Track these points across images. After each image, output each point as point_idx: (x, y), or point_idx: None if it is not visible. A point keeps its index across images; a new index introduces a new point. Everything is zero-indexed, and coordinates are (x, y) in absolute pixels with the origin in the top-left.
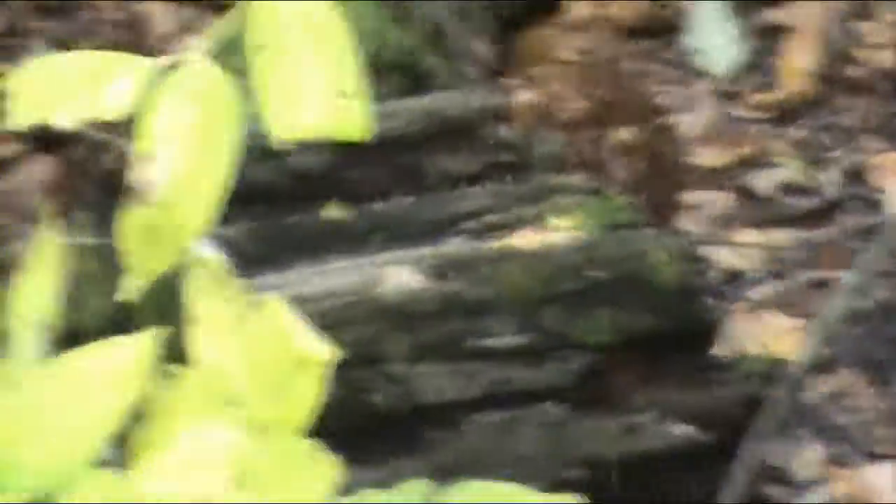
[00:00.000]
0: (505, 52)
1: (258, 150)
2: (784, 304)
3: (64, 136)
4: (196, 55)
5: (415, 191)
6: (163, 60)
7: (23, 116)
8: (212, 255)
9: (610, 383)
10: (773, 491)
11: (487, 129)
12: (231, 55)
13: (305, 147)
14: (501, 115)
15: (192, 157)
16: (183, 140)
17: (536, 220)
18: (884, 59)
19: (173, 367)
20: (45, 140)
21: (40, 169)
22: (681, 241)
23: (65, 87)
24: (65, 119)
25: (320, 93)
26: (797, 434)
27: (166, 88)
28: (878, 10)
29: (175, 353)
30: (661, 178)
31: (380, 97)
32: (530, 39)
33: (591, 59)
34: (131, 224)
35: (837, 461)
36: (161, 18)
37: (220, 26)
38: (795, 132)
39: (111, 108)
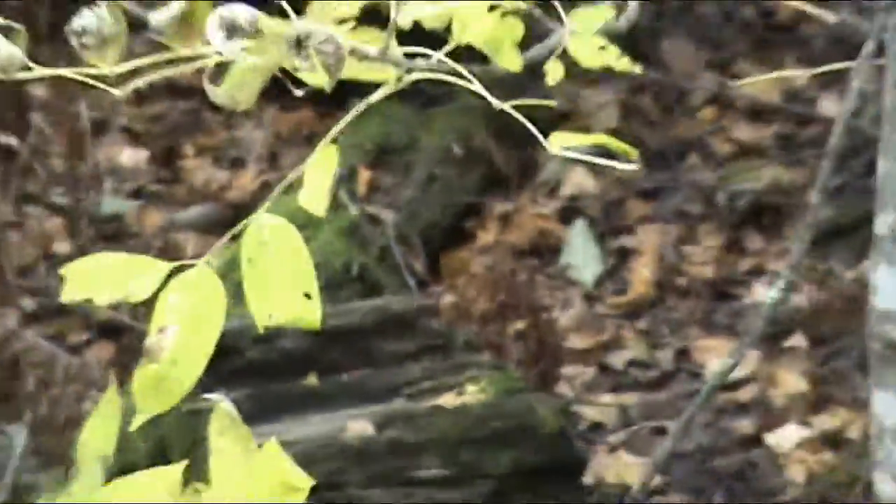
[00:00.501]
0: (434, 267)
1: (255, 336)
2: (632, 446)
3: (119, 327)
4: (199, 264)
5: (370, 366)
6: (174, 265)
7: (70, 296)
8: (228, 405)
9: (510, 503)
10: None
11: (422, 322)
12: (237, 269)
13: (288, 334)
14: (432, 312)
15: (188, 331)
16: (182, 319)
17: (457, 387)
18: (704, 272)
19: (199, 485)
20: (106, 330)
21: (103, 351)
22: (559, 401)
23: (104, 277)
24: (103, 300)
25: (288, 294)
26: None
27: (174, 283)
28: (700, 236)
29: (200, 477)
30: (545, 358)
31: (344, 299)
32: (451, 258)
33: (494, 273)
34: (144, 376)
35: None
36: (193, 245)
37: (225, 248)
38: (641, 324)
39: (136, 294)
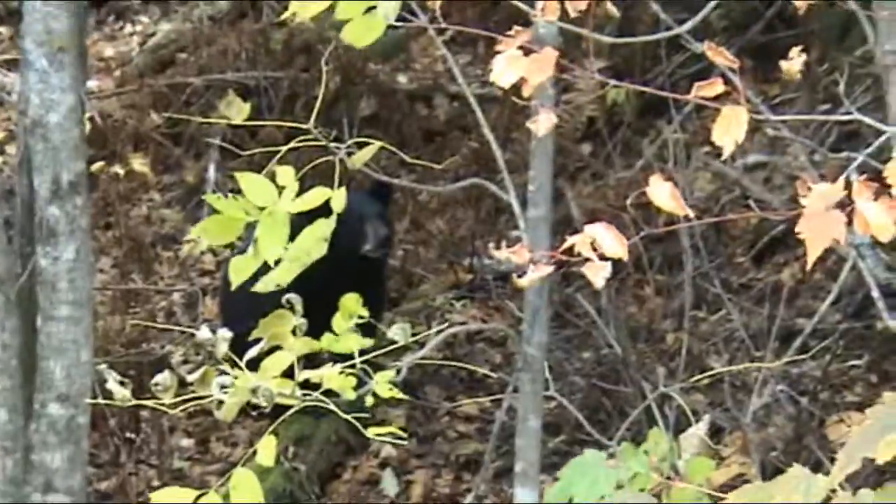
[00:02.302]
0: (323, 490)
1: None
2: None
3: None
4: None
5: None
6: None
7: None
8: None
9: None
10: None
11: None
12: None
13: None
14: None
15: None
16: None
17: None
18: (446, 489)
19: None
20: None
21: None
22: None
23: None
24: None
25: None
26: None
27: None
28: (445, 475)
29: None
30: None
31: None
32: (331, 487)
33: (350, 494)
34: None
35: None
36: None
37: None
38: None
39: None
